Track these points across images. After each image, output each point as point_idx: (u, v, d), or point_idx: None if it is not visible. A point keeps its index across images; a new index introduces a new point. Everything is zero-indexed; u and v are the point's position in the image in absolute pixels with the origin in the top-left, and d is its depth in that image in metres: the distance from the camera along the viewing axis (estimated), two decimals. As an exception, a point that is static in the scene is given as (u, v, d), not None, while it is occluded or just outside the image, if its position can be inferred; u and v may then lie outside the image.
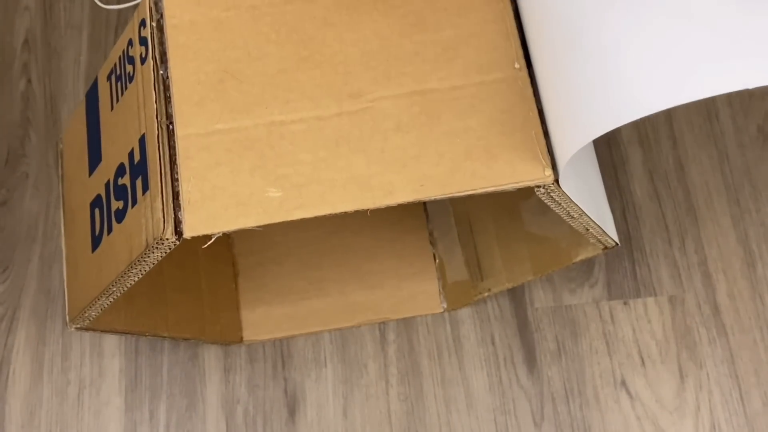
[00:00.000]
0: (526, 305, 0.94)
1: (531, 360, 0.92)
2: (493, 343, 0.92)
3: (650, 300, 0.93)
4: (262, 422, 0.90)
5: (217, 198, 0.55)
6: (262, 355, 0.92)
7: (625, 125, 1.00)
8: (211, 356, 0.92)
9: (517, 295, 0.94)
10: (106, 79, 0.68)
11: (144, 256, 0.57)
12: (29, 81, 1.04)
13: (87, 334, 0.92)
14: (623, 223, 0.97)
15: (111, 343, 0.92)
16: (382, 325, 0.93)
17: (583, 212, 0.62)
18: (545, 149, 0.55)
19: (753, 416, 0.89)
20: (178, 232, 0.54)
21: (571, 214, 0.62)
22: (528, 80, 0.58)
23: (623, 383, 0.90)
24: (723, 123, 1.01)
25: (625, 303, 0.94)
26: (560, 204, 0.59)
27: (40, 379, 0.91)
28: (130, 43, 0.63)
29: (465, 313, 0.93)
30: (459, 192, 0.55)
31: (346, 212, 0.55)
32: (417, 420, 0.90)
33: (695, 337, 0.92)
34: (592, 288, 0.94)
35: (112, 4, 1.07)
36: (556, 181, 0.55)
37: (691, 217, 0.97)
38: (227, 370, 0.91)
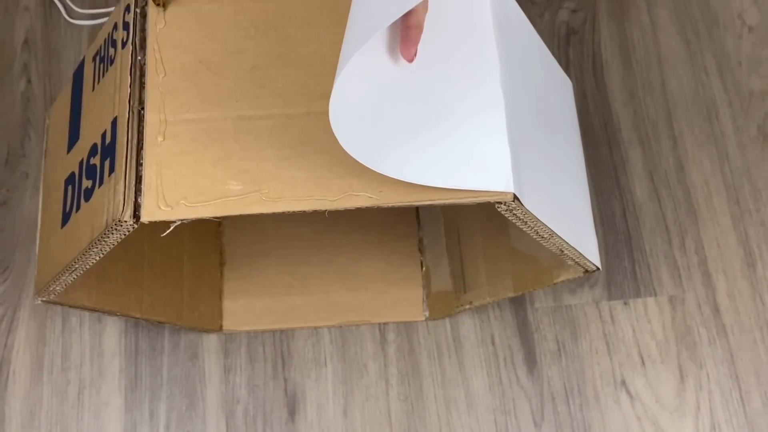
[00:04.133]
0: (526, 305, 0.94)
1: (531, 360, 0.91)
2: (493, 343, 0.92)
3: (650, 300, 0.93)
4: (262, 422, 0.90)
5: (178, 186, 0.55)
6: (262, 355, 0.92)
7: (626, 125, 1.00)
8: (211, 356, 0.92)
9: (517, 296, 0.94)
10: (92, 59, 0.68)
11: (104, 236, 0.57)
12: (29, 81, 1.04)
13: (87, 334, 0.92)
14: (623, 223, 0.97)
15: (111, 343, 0.92)
16: (382, 326, 0.93)
17: (554, 233, 0.62)
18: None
19: (753, 416, 0.89)
20: (136, 215, 0.55)
21: (540, 233, 0.62)
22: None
23: (623, 383, 0.90)
24: (723, 123, 1.01)
25: (625, 303, 0.93)
26: (526, 222, 0.59)
27: (40, 379, 0.91)
28: (115, 26, 0.64)
29: (465, 313, 0.93)
30: (416, 201, 0.55)
31: (305, 211, 0.55)
32: (417, 420, 0.90)
33: (695, 337, 0.92)
34: (592, 288, 0.94)
35: (84, 19, 1.07)
36: (516, 197, 0.54)
37: (691, 217, 0.97)
38: (227, 370, 0.91)
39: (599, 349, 0.92)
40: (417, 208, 0.96)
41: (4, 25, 1.06)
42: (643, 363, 0.91)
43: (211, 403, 0.90)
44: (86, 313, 0.93)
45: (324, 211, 0.55)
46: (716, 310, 0.93)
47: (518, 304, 0.94)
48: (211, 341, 0.92)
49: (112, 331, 0.93)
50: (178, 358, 0.92)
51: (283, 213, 0.55)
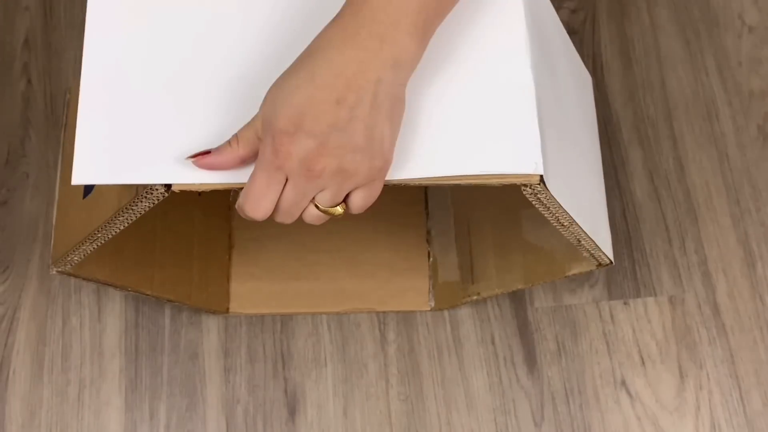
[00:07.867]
0: (526, 305, 0.94)
1: (531, 360, 0.92)
2: (493, 343, 0.92)
3: (650, 300, 0.93)
4: (262, 422, 0.90)
5: None
6: (262, 355, 0.92)
7: (626, 125, 1.00)
8: (211, 356, 0.92)
9: (517, 295, 0.94)
10: None
11: (132, 204, 0.57)
12: (29, 81, 1.04)
13: (87, 334, 0.92)
14: (623, 223, 0.97)
15: (111, 343, 0.92)
16: (382, 325, 0.93)
17: (574, 221, 0.62)
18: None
19: (753, 416, 0.89)
20: (167, 183, 0.55)
21: (561, 221, 0.62)
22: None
23: (623, 383, 0.90)
24: (723, 123, 1.01)
25: (625, 303, 0.94)
26: (548, 208, 0.59)
27: (40, 379, 0.91)
28: None
29: (465, 313, 0.93)
30: (443, 181, 0.55)
31: None
32: (417, 420, 0.90)
33: (695, 337, 0.92)
34: (592, 288, 0.94)
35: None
36: (542, 180, 0.54)
37: (691, 217, 0.97)
38: (227, 370, 0.91)
39: (599, 349, 0.92)
40: (426, 201, 0.96)
41: (4, 25, 1.06)
42: (643, 363, 0.91)
43: (211, 403, 0.90)
44: (86, 313, 0.93)
45: None
46: (716, 310, 0.93)
47: (518, 304, 0.94)
48: (211, 341, 0.92)
49: (112, 331, 0.93)
50: (178, 358, 0.92)
51: None
